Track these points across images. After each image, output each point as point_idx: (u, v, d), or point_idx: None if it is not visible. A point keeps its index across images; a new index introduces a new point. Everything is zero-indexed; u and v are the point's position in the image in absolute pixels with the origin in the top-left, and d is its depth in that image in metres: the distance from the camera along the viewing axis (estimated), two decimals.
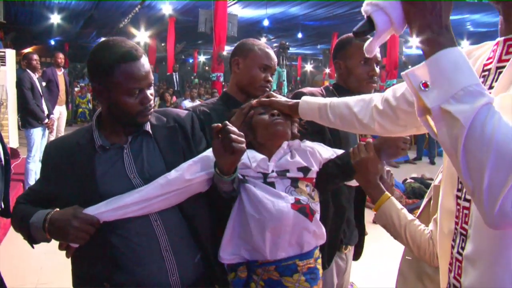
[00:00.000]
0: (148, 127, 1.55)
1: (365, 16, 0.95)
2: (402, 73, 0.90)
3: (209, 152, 1.48)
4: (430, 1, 0.85)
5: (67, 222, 1.38)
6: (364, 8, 0.94)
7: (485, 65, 1.03)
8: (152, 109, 1.52)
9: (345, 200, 2.04)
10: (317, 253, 1.60)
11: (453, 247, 1.05)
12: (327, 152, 1.70)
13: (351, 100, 1.49)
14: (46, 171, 1.56)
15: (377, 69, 2.06)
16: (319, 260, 1.62)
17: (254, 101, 1.72)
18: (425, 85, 0.84)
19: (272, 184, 1.55)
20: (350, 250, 2.23)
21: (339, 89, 2.11)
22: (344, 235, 2.08)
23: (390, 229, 1.55)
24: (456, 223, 1.05)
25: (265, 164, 1.56)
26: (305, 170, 1.60)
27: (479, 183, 0.78)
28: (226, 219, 1.57)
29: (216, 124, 1.38)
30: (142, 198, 1.42)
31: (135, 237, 1.45)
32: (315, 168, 1.63)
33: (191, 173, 1.47)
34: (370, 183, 1.60)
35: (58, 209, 1.47)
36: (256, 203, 1.50)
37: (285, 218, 1.48)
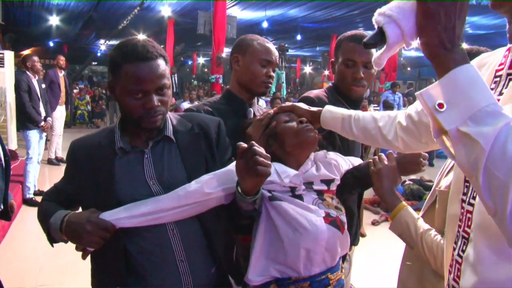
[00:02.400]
0: (170, 132, 1.50)
1: (376, 27, 0.91)
2: (417, 93, 0.86)
3: (232, 167, 1.40)
4: (445, 15, 0.81)
5: (81, 225, 1.36)
6: (377, 19, 0.90)
7: (497, 71, 1.02)
8: (161, 115, 1.42)
9: (352, 204, 2.04)
10: (341, 263, 1.61)
11: (454, 249, 1.06)
12: (345, 164, 1.71)
13: (377, 114, 1.50)
14: (69, 169, 1.55)
15: (372, 71, 1.97)
16: (343, 270, 1.63)
17: (273, 110, 1.69)
18: (441, 105, 0.80)
19: (300, 197, 1.53)
20: (353, 250, 2.22)
21: (337, 90, 2.05)
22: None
23: (406, 238, 1.55)
24: (459, 226, 1.05)
25: (297, 179, 1.53)
26: (328, 182, 1.60)
27: (502, 206, 0.76)
28: (244, 230, 1.57)
29: (242, 144, 1.31)
30: (159, 208, 1.38)
31: (151, 246, 1.44)
32: (338, 179, 1.63)
33: (211, 187, 1.41)
34: (387, 192, 1.60)
35: (78, 210, 1.47)
36: (289, 220, 1.47)
37: (320, 233, 1.47)
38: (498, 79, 1.00)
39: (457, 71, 0.80)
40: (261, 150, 1.31)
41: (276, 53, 2.01)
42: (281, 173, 1.52)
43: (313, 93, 2.03)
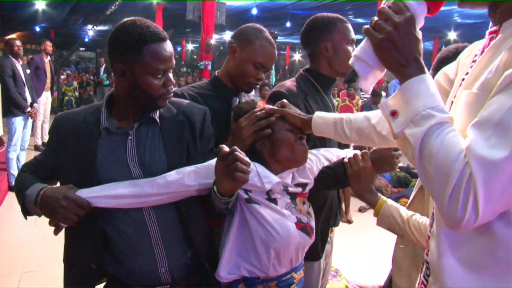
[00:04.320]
0: (156, 115, 1.51)
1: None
2: (379, 104, 1.01)
3: (214, 162, 1.41)
4: (391, 42, 0.98)
5: (56, 200, 1.37)
6: (350, 60, 1.09)
7: (475, 55, 1.07)
8: (172, 93, 1.50)
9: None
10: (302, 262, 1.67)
11: (431, 226, 1.12)
12: (319, 162, 1.72)
13: (368, 113, 1.54)
14: (52, 142, 1.55)
15: None
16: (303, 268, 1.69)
17: (268, 108, 1.65)
18: (395, 113, 0.97)
19: (275, 201, 1.55)
20: (334, 232, 2.24)
21: (317, 76, 2.01)
22: (331, 220, 2.08)
23: (395, 229, 1.60)
24: (434, 207, 1.11)
25: (278, 186, 1.55)
26: (303, 185, 1.64)
27: (432, 194, 0.91)
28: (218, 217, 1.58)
29: (224, 148, 1.31)
30: (137, 193, 1.40)
31: (127, 228, 1.46)
32: (312, 182, 1.67)
33: (191, 180, 1.43)
34: (366, 191, 1.65)
35: (57, 184, 1.48)
36: (263, 223, 1.50)
37: (292, 238, 1.52)
38: (474, 63, 1.05)
39: (407, 83, 0.97)
40: (243, 155, 1.32)
41: (274, 57, 1.95)
42: (263, 178, 1.53)
43: (285, 86, 1.97)
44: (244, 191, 1.52)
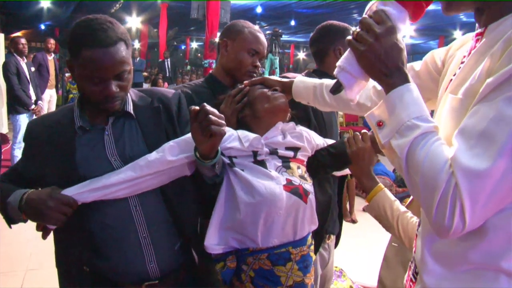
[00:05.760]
0: (130, 108, 1.48)
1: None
2: (365, 115, 1.04)
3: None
4: (372, 52, 0.98)
5: (42, 202, 1.33)
6: (335, 71, 1.10)
7: (464, 56, 1.08)
8: (120, 100, 1.41)
9: (330, 188, 2.02)
10: (309, 239, 1.57)
11: (419, 225, 1.15)
12: (319, 139, 1.69)
13: None
14: (28, 149, 1.51)
15: None
16: (312, 247, 1.59)
17: (245, 82, 1.70)
18: (380, 123, 0.98)
19: (262, 163, 1.51)
20: (332, 239, 2.21)
21: (325, 76, 2.05)
22: (328, 224, 2.06)
23: (382, 220, 1.56)
24: None
25: (258, 142, 1.51)
26: (294, 149, 1.58)
27: (420, 202, 0.92)
28: (212, 206, 1.53)
29: (193, 107, 1.30)
30: (120, 180, 1.37)
31: (113, 222, 1.43)
32: (306, 148, 1.62)
33: (173, 154, 1.40)
34: (364, 173, 1.61)
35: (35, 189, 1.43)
36: (247, 186, 1.45)
37: (278, 201, 1.44)
38: (462, 64, 1.05)
39: (391, 93, 0.97)
40: (214, 110, 1.31)
41: (265, 43, 2.01)
42: (242, 138, 1.51)
43: (291, 74, 2.02)
44: (228, 158, 1.50)
